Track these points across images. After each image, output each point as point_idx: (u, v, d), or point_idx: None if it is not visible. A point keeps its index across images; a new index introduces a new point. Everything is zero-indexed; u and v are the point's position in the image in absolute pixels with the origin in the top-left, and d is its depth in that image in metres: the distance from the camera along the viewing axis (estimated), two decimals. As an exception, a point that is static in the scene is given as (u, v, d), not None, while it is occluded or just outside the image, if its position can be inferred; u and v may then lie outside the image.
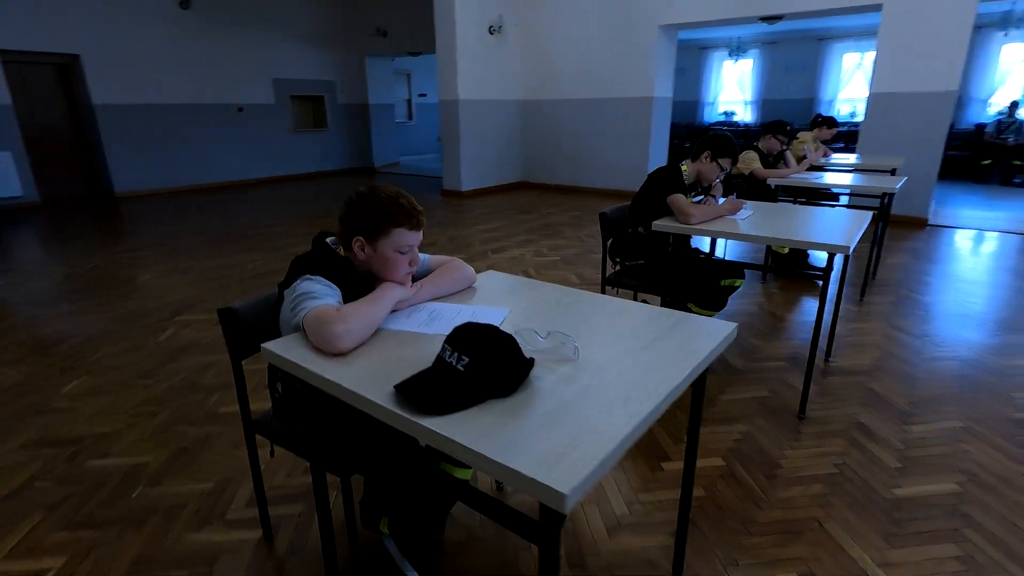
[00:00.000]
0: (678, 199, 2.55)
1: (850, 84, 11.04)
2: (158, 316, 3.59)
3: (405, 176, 10.78)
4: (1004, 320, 3.43)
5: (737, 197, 4.00)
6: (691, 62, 12.49)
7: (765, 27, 10.32)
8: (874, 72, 6.13)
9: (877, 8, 6.03)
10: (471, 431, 0.88)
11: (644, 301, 1.69)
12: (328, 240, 1.44)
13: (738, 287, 2.80)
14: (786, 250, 4.25)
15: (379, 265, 1.37)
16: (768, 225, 2.49)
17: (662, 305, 2.85)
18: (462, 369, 0.98)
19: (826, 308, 2.24)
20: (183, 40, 8.53)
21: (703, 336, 1.25)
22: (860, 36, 10.59)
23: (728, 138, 2.60)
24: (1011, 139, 8.51)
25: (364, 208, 1.33)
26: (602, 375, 1.07)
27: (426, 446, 1.08)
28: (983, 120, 9.35)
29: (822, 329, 2.27)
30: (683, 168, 2.68)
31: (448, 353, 1.02)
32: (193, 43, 8.65)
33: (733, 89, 12.41)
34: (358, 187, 1.39)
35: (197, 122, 8.90)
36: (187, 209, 7.39)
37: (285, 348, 1.20)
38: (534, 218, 6.64)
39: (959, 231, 5.86)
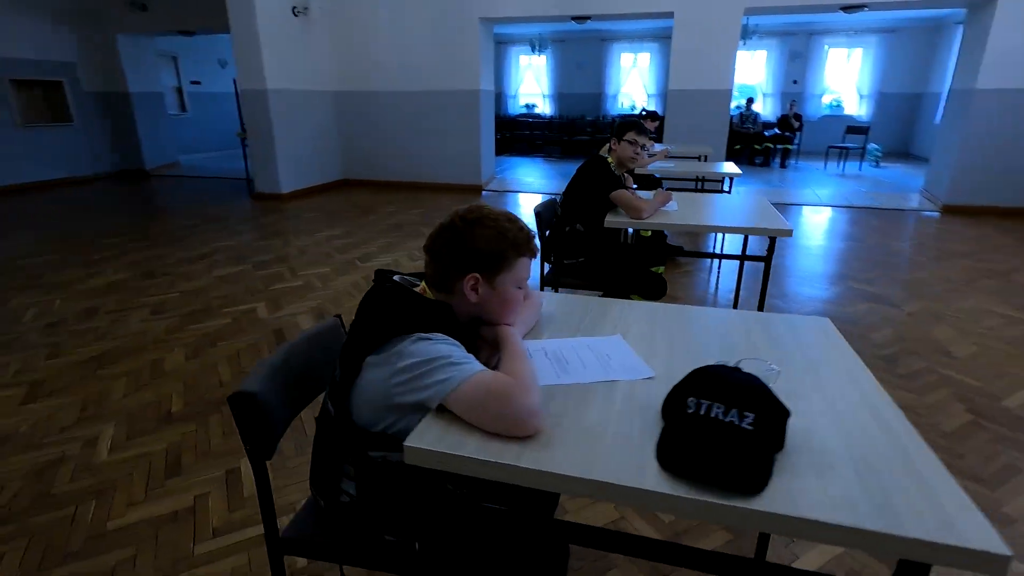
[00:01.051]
0: (624, 195, 2.57)
1: (628, 81, 12.57)
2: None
3: (194, 179, 9.11)
4: (828, 275, 4.26)
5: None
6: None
7: (558, 26, 11.15)
8: (671, 71, 7.05)
9: (669, 15, 6.91)
10: (809, 502, 0.72)
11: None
12: (398, 279, 1.09)
13: (661, 273, 2.96)
14: (649, 233, 4.64)
15: (495, 306, 1.08)
16: (702, 214, 2.66)
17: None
18: (750, 428, 0.79)
19: (768, 288, 2.48)
20: None
21: (820, 331, 1.25)
22: (635, 39, 12.09)
23: (635, 118, 2.71)
24: (751, 128, 10.61)
25: (484, 236, 1.03)
26: (806, 399, 0.98)
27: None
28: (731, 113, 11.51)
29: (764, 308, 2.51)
30: (609, 160, 2.70)
31: (706, 408, 0.82)
32: None
33: (531, 83, 13.17)
34: (455, 209, 1.07)
35: None
36: None
37: (451, 443, 0.85)
38: (379, 219, 6.17)
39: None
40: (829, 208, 6.87)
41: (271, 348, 3.01)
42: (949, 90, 6.72)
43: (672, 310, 1.42)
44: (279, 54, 6.90)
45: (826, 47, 11.42)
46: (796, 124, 10.60)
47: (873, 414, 0.93)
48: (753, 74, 12.00)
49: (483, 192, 7.86)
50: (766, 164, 10.47)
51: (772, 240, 2.38)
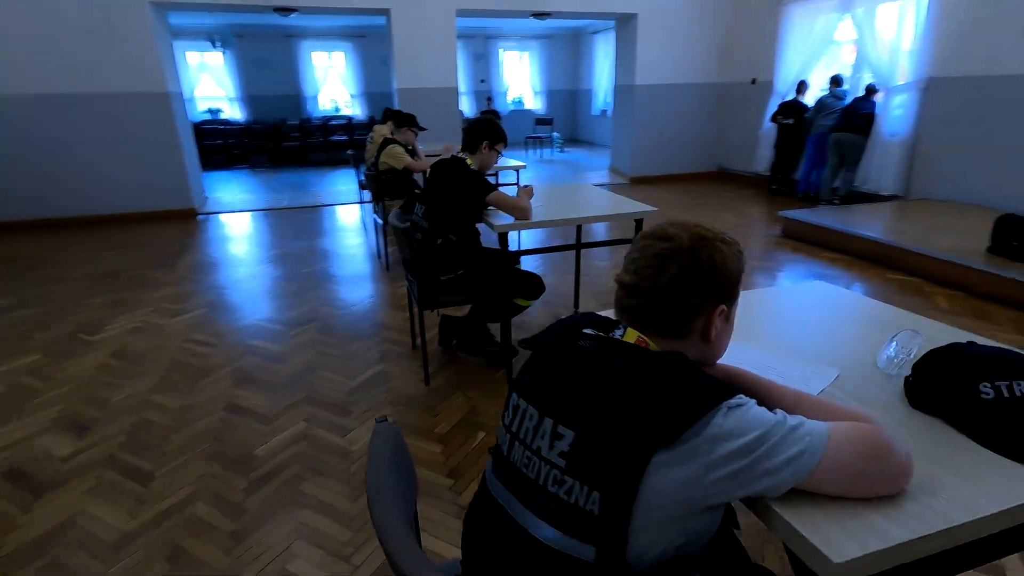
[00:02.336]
0: (504, 197, 2.39)
1: (328, 82, 11.89)
2: None
3: None
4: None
5: (382, 192, 3.97)
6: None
7: (239, 18, 9.76)
8: (395, 70, 6.92)
9: (384, 12, 6.74)
10: None
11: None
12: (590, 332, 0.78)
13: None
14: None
15: (722, 343, 0.85)
16: (567, 207, 2.68)
17: (475, 313, 2.67)
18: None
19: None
20: None
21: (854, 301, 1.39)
22: (327, 36, 11.44)
23: (496, 122, 2.57)
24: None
25: (726, 257, 0.79)
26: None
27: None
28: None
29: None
30: (468, 162, 2.49)
31: (1007, 388, 0.81)
32: None
33: (209, 84, 11.27)
34: (664, 231, 0.80)
35: None
36: None
37: (865, 533, 0.63)
38: (65, 271, 4.47)
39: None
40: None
41: (22, 509, 1.89)
42: (614, 86, 8.34)
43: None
44: None
45: (501, 50, 12.88)
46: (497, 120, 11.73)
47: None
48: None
49: (199, 216, 6.44)
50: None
51: (639, 221, 2.57)
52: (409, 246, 2.34)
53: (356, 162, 5.74)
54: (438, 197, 2.43)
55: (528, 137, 11.37)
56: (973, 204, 5.08)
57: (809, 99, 6.61)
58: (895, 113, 5.70)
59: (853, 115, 5.85)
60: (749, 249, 4.68)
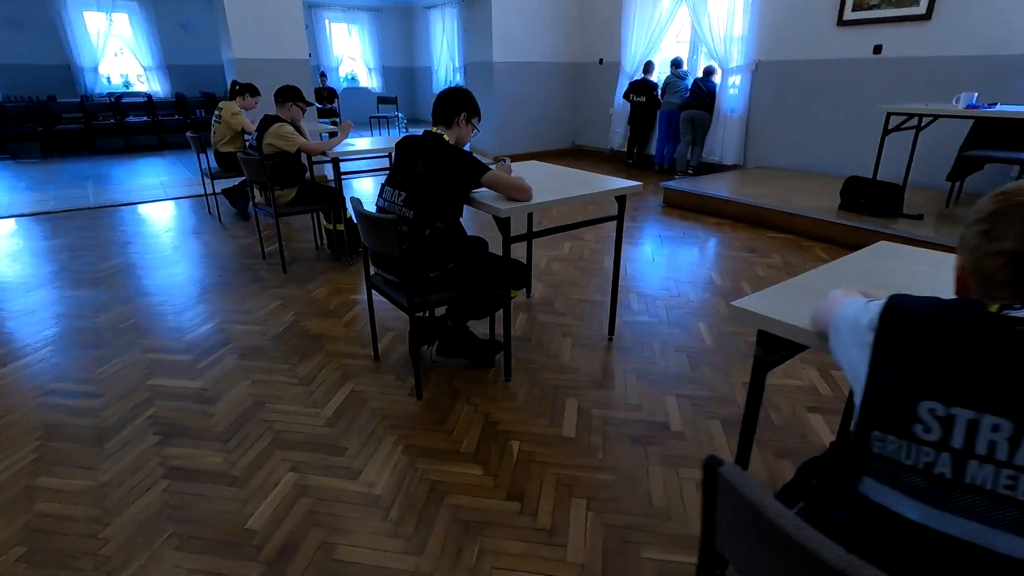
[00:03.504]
0: (500, 176, 2.10)
1: (109, 51, 9.68)
2: None
3: None
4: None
5: (273, 180, 3.39)
6: None
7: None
8: (231, 38, 5.87)
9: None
10: None
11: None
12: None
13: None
14: (341, 226, 3.96)
15: None
16: (553, 185, 2.48)
17: (458, 310, 2.37)
18: None
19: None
20: None
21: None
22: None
23: (470, 93, 2.26)
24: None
25: None
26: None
27: None
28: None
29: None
30: (446, 138, 2.16)
31: None
32: None
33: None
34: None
35: None
36: None
37: None
38: None
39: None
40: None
41: None
42: (465, 64, 8.13)
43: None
44: None
45: (327, 21, 11.76)
46: (334, 98, 10.71)
47: None
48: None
49: (-33, 225, 4.81)
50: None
51: (623, 198, 2.48)
52: (398, 240, 1.95)
53: (199, 146, 4.76)
54: (422, 181, 2.06)
55: (372, 117, 10.64)
56: (800, 171, 6.02)
57: (655, 78, 7.17)
58: (731, 92, 6.47)
59: (701, 94, 6.49)
60: (644, 220, 4.96)
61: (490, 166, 2.18)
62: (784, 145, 6.21)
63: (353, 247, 3.89)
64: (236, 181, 5.08)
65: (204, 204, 5.50)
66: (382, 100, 10.91)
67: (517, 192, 2.10)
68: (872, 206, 4.20)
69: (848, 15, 5.41)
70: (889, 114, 3.99)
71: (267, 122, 3.54)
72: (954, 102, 3.81)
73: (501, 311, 2.37)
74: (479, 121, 2.28)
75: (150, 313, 3.05)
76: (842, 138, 5.69)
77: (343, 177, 3.95)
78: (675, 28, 7.25)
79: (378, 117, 10.62)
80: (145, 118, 9.24)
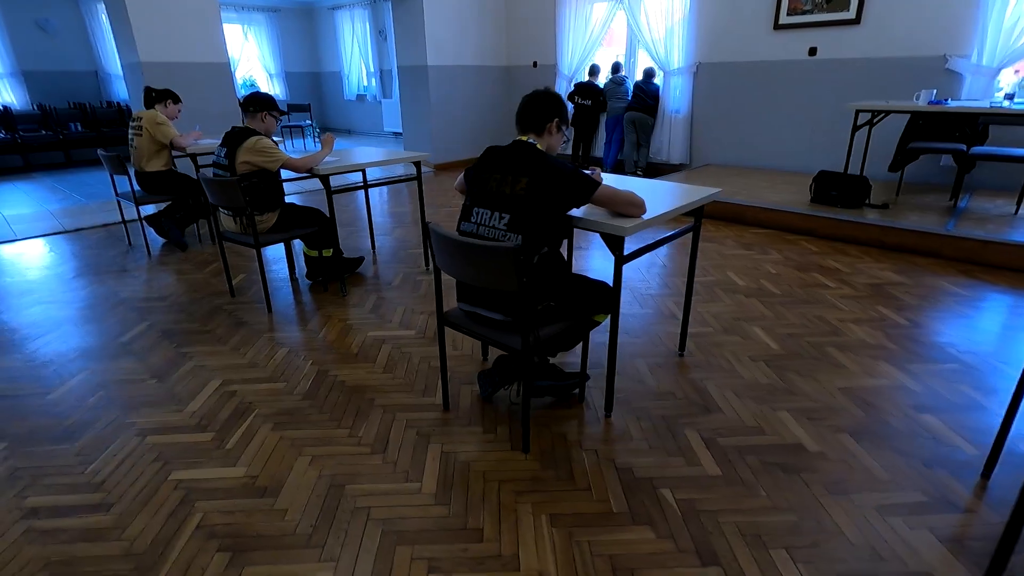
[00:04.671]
0: (614, 191, 1.84)
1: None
2: None
3: None
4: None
5: (255, 202, 2.92)
6: None
7: None
8: (136, 38, 5.00)
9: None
10: None
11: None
12: None
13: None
14: (329, 252, 3.45)
15: None
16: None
17: (572, 336, 2.08)
18: None
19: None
20: None
21: None
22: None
23: (560, 96, 1.97)
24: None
25: None
26: None
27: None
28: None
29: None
30: (539, 147, 1.87)
31: None
32: None
33: None
34: None
35: None
36: None
37: None
38: None
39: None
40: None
41: None
42: (399, 67, 7.65)
43: None
44: None
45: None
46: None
47: None
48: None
49: None
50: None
51: (699, 209, 2.32)
52: (517, 270, 1.63)
53: (116, 165, 3.97)
54: (528, 200, 1.75)
55: (284, 127, 9.74)
56: (745, 167, 6.31)
57: (600, 80, 7.19)
58: (675, 93, 6.63)
59: (645, 97, 6.58)
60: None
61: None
62: (727, 143, 6.48)
63: (340, 274, 3.41)
64: (157, 205, 4.32)
65: (121, 235, 4.61)
66: (293, 108, 10.02)
67: (633, 208, 1.86)
68: (843, 198, 4.44)
69: (783, 19, 5.73)
70: (857, 111, 4.24)
71: (238, 136, 2.98)
72: (915, 99, 4.12)
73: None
74: (568, 128, 2.01)
75: (120, 381, 2.42)
76: (782, 135, 6.04)
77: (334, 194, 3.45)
78: (611, 32, 7.32)
79: (290, 127, 9.75)
80: (3, 135, 7.71)
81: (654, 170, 6.79)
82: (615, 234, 1.83)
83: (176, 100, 4.26)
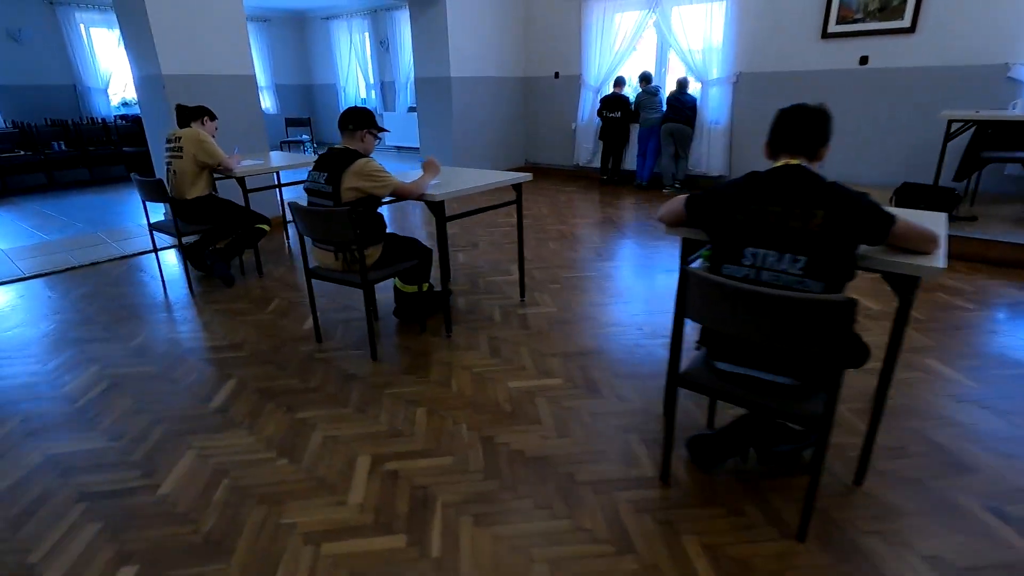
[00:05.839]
0: (912, 225, 1.53)
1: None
2: None
3: None
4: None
5: (360, 239, 2.54)
6: None
7: None
8: (158, 51, 4.48)
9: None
10: None
11: None
12: None
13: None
14: (427, 286, 3.05)
15: None
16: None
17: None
18: None
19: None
20: None
21: None
22: None
23: (831, 118, 1.67)
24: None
25: None
26: None
27: None
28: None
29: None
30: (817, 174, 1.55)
31: None
32: None
33: None
34: None
35: None
36: None
37: None
38: None
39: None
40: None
41: None
42: (419, 78, 7.27)
43: None
44: None
45: (205, 32, 9.96)
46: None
47: None
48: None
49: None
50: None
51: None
52: (835, 329, 1.30)
53: (153, 191, 3.48)
54: (825, 239, 1.43)
55: (283, 142, 9.18)
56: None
57: (627, 91, 6.96)
58: (713, 103, 6.46)
59: (682, 107, 6.38)
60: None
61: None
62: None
63: (443, 311, 3.01)
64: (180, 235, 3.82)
65: (142, 268, 4.08)
66: (292, 122, 9.47)
67: (931, 245, 1.56)
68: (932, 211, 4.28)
69: (832, 27, 5.62)
70: (950, 120, 4.10)
71: (340, 158, 2.56)
72: (1011, 108, 4.00)
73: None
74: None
75: (242, 464, 1.97)
76: (831, 145, 5.91)
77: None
78: (641, 41, 7.12)
79: (289, 142, 9.20)
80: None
81: (692, 182, 6.59)
82: (912, 274, 1.53)
83: (212, 117, 3.79)
